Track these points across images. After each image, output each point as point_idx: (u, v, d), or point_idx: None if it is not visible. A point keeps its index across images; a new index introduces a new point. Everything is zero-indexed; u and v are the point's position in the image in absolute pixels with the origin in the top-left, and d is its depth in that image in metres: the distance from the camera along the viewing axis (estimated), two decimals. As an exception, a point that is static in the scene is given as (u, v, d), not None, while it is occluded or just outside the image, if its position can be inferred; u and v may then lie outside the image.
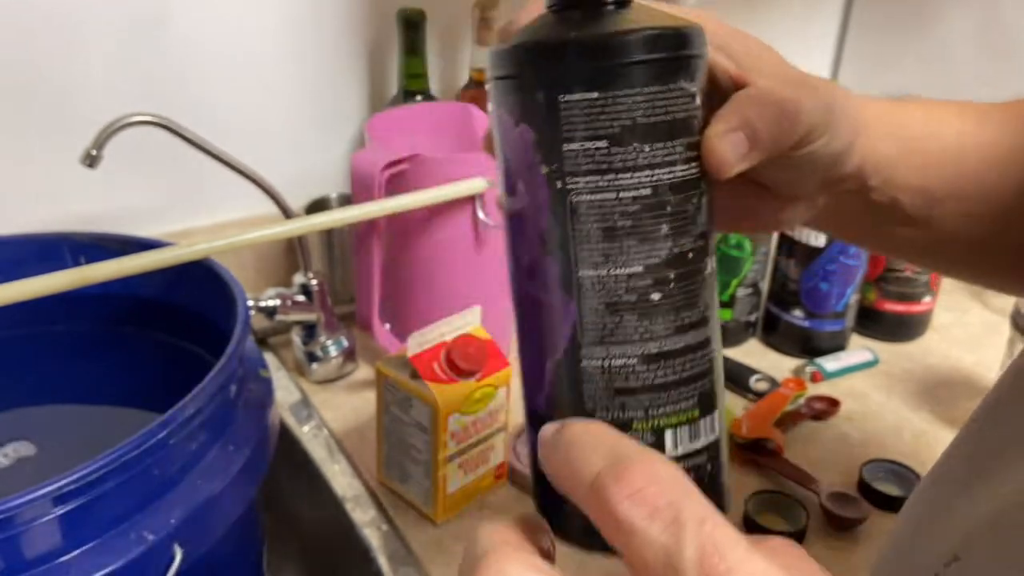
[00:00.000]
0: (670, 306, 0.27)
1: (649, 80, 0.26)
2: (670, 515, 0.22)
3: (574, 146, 0.26)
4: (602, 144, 0.26)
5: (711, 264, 0.28)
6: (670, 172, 0.27)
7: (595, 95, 0.26)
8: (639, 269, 0.27)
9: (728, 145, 0.29)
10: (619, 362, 0.27)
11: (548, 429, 0.26)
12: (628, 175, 0.26)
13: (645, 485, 0.23)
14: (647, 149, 0.26)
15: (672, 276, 0.27)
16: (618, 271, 0.27)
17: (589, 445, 0.25)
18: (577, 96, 0.26)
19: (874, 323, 0.88)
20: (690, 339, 0.27)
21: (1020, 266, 0.41)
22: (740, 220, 0.37)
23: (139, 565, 0.42)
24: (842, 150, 0.34)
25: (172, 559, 0.43)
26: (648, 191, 0.26)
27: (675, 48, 0.27)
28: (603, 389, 0.27)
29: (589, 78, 0.26)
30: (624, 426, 0.27)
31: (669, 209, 0.27)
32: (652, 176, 0.26)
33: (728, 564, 0.21)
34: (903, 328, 0.88)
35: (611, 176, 0.26)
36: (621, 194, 0.26)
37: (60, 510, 0.40)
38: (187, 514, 0.44)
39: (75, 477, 0.39)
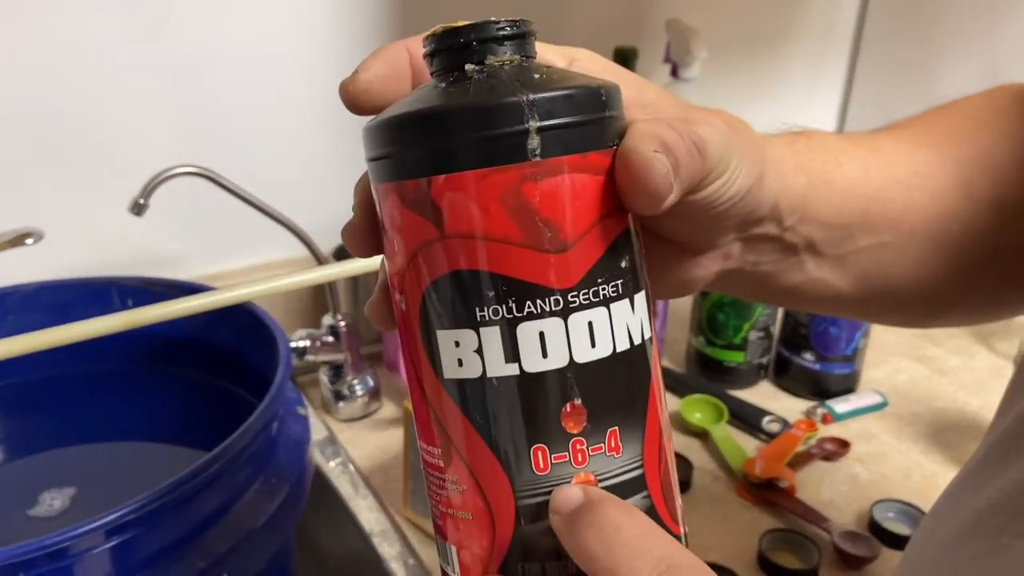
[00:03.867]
0: None
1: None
2: None
3: None
4: None
5: None
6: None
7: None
8: None
9: (661, 167, 0.25)
10: None
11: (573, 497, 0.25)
12: None
13: None
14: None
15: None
16: None
17: (641, 547, 0.24)
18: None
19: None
20: None
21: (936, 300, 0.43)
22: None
23: (189, 592, 0.45)
24: (751, 185, 0.31)
25: (220, 587, 0.46)
26: None
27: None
28: None
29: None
30: None
31: None
32: None
33: None
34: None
35: None
36: None
37: (117, 540, 0.42)
38: (233, 544, 0.47)
39: (134, 507, 0.42)
